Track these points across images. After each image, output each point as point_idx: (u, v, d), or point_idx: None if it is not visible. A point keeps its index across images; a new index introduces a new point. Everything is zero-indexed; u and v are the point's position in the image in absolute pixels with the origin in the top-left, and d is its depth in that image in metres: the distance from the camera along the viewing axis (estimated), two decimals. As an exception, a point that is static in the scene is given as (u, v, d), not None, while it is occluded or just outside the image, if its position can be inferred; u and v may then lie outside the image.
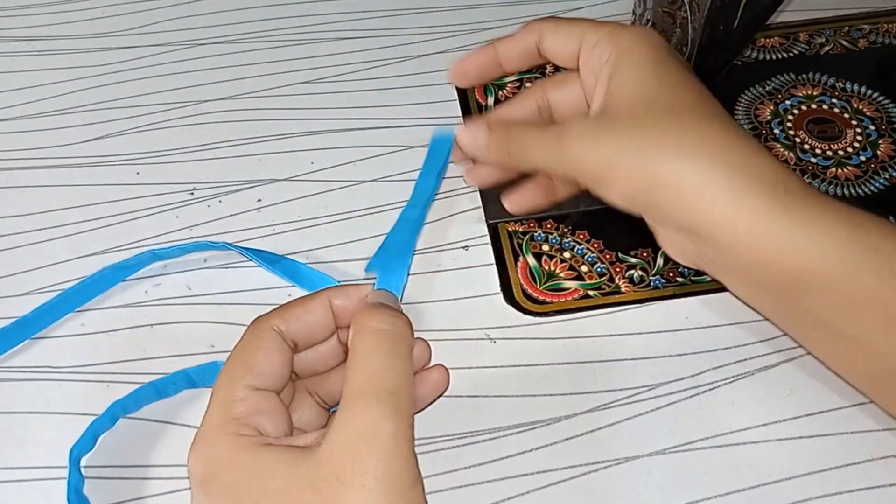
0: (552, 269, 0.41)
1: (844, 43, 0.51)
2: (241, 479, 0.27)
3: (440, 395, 0.34)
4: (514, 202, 0.40)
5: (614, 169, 0.32)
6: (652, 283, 0.40)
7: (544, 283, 0.40)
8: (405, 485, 0.26)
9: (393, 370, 0.28)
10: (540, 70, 0.50)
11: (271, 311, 0.32)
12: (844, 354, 0.33)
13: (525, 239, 0.42)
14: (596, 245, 0.42)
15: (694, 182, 0.31)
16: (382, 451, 0.26)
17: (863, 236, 0.30)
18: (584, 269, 0.41)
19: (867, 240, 0.30)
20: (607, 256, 0.41)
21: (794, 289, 0.31)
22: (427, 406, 0.35)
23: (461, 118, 0.47)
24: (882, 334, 0.30)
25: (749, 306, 0.37)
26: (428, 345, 0.34)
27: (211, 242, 0.41)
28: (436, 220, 0.43)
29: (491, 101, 0.48)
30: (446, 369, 0.34)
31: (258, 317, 0.32)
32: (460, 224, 0.43)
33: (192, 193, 0.44)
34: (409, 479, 0.27)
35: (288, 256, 0.41)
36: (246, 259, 0.41)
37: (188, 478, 0.29)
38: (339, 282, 0.39)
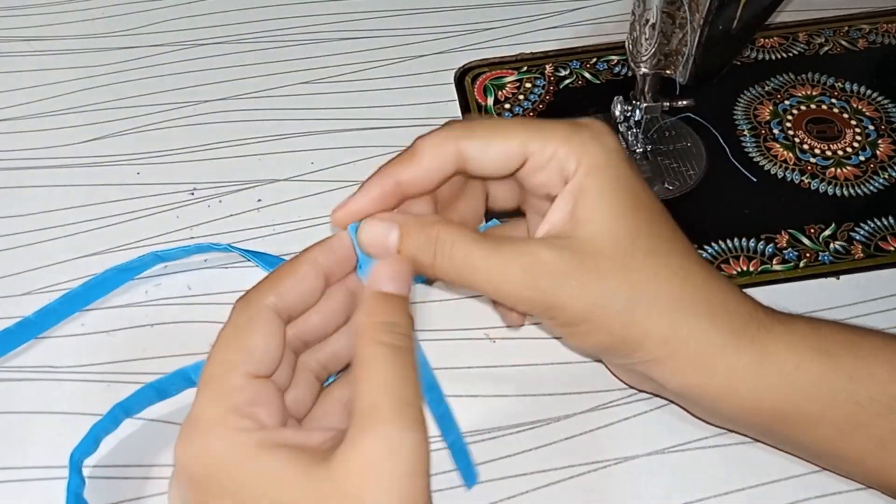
0: (552, 269, 0.41)
1: (844, 43, 0.51)
2: (247, 486, 0.25)
3: None
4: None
5: (598, 319, 0.29)
6: (651, 283, 0.40)
7: (544, 283, 0.40)
8: (425, 503, 0.25)
9: (409, 381, 0.27)
10: (540, 71, 0.50)
11: (259, 284, 0.29)
12: (836, 467, 0.33)
13: (525, 239, 0.42)
14: (595, 245, 0.42)
15: (683, 342, 0.29)
16: (407, 466, 0.25)
17: (836, 367, 0.30)
18: (583, 269, 0.41)
19: (840, 370, 0.29)
20: (607, 256, 0.41)
21: (776, 424, 0.31)
22: None
23: (461, 118, 0.47)
24: (874, 458, 0.30)
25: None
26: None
27: (214, 244, 0.41)
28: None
29: (490, 101, 0.48)
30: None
31: (246, 294, 0.29)
32: (460, 224, 0.43)
33: (192, 193, 0.44)
34: (427, 497, 0.25)
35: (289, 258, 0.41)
36: (246, 259, 0.41)
37: (173, 472, 0.27)
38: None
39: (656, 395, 0.35)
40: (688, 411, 0.34)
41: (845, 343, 0.30)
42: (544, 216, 0.30)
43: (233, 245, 0.41)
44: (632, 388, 0.36)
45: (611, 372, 0.36)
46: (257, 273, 0.41)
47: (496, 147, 0.30)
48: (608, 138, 0.30)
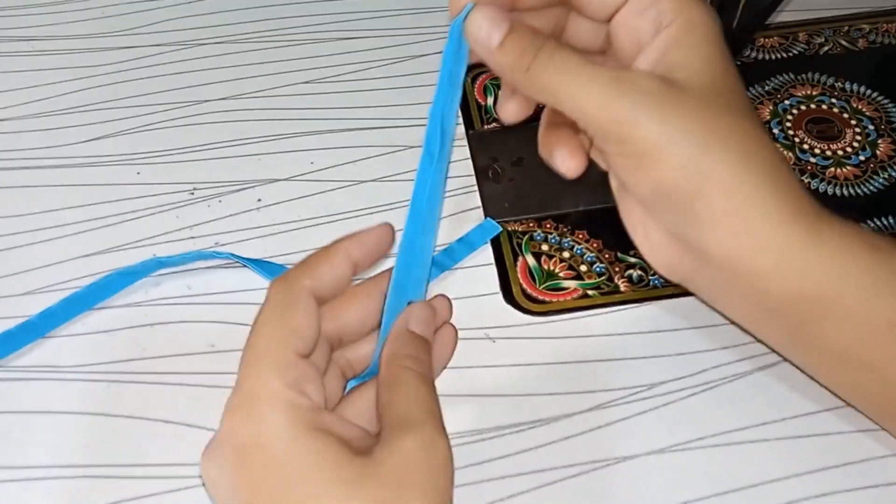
0: (551, 268, 0.41)
1: (844, 43, 0.51)
2: (297, 463, 0.26)
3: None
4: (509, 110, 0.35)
5: (668, 151, 0.28)
6: (651, 283, 0.40)
7: (544, 283, 0.40)
8: (451, 500, 0.28)
9: (434, 397, 0.30)
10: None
11: (295, 268, 0.31)
12: (857, 383, 0.32)
13: (524, 239, 0.42)
14: (595, 245, 0.42)
15: (744, 202, 0.28)
16: (440, 464, 0.27)
17: (885, 260, 0.29)
18: (583, 268, 0.41)
19: (889, 263, 0.29)
20: (606, 256, 0.41)
21: (810, 316, 0.30)
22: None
23: (461, 118, 0.47)
24: None
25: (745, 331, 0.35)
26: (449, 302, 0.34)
27: (216, 252, 0.41)
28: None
29: (491, 100, 0.48)
30: (454, 329, 0.34)
31: (283, 275, 0.30)
32: (460, 224, 0.43)
33: (192, 193, 0.44)
34: (452, 495, 0.28)
35: (288, 265, 0.41)
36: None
37: (212, 444, 0.28)
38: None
39: (683, 291, 0.33)
40: (715, 309, 0.33)
41: (891, 242, 0.30)
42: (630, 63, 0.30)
43: (234, 254, 0.41)
44: (664, 278, 0.35)
45: (647, 263, 0.33)
46: (257, 274, 0.41)
47: None
48: (706, 7, 0.30)
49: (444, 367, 0.35)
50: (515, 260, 0.41)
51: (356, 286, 0.33)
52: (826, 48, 0.51)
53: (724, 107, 0.29)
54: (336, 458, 0.27)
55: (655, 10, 0.29)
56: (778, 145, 0.31)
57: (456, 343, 0.34)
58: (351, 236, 0.32)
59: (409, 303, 0.33)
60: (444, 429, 0.28)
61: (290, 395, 0.27)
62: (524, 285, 0.40)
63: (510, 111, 0.34)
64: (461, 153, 0.45)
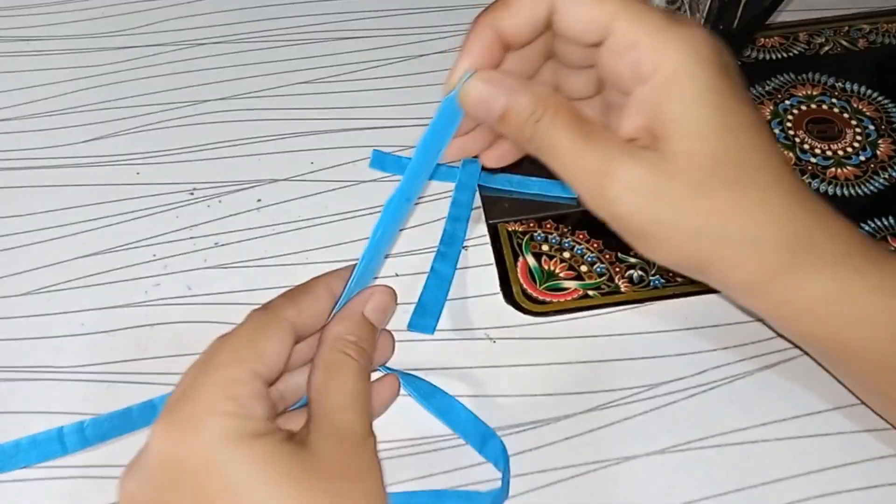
0: (552, 268, 0.41)
1: (844, 43, 0.51)
2: (238, 469, 0.26)
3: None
4: (490, 157, 0.34)
5: (664, 237, 0.28)
6: (651, 283, 0.40)
7: (544, 283, 0.40)
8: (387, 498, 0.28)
9: (369, 393, 0.30)
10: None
11: (279, 298, 0.31)
12: (889, 409, 0.33)
13: (525, 239, 0.42)
14: (595, 245, 0.42)
15: (752, 275, 0.28)
16: (376, 464, 0.29)
17: None
18: (583, 269, 0.41)
19: None
20: (607, 256, 0.41)
21: (843, 357, 0.31)
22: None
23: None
24: None
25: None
26: (391, 340, 0.35)
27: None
28: (435, 221, 0.43)
29: (491, 101, 0.48)
30: (397, 379, 0.35)
31: (265, 305, 0.31)
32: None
33: (192, 193, 0.44)
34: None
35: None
36: (246, 259, 0.41)
37: (137, 461, 0.27)
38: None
39: (684, 292, 0.35)
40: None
41: None
42: (620, 113, 0.29)
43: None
44: (665, 278, 0.36)
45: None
46: (258, 273, 0.41)
47: (583, 9, 0.28)
48: (703, 43, 0.27)
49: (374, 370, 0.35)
50: (516, 260, 0.41)
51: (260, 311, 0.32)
52: (826, 48, 0.51)
53: (722, 179, 0.27)
54: (279, 456, 0.26)
55: (635, 54, 0.27)
56: (811, 193, 0.29)
57: (393, 350, 0.35)
58: (330, 273, 0.32)
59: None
60: (372, 428, 0.29)
61: (231, 406, 0.27)
62: (524, 285, 0.40)
63: (494, 158, 0.34)
64: (461, 153, 0.45)
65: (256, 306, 0.31)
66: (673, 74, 0.26)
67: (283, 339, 0.29)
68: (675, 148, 0.27)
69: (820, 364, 0.35)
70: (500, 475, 0.34)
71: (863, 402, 0.35)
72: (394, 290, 0.34)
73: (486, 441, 0.35)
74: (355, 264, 0.32)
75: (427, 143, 0.31)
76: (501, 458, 0.34)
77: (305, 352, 0.33)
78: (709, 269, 0.29)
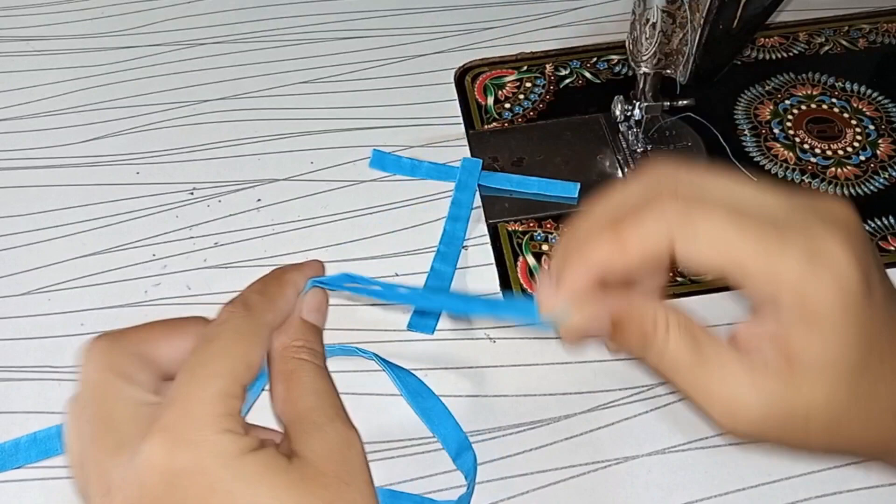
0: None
1: (844, 43, 0.51)
2: (241, 481, 0.25)
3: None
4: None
5: (798, 450, 0.28)
6: (652, 283, 0.40)
7: (544, 283, 0.40)
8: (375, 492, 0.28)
9: (334, 388, 0.29)
10: (540, 70, 0.50)
11: (257, 296, 0.30)
12: None
13: (525, 238, 0.42)
14: (596, 245, 0.42)
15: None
16: (363, 458, 0.28)
17: None
18: (583, 268, 0.41)
19: None
20: (607, 256, 0.41)
21: None
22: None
23: (460, 118, 0.47)
24: None
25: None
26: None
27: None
28: (435, 220, 0.43)
29: (491, 100, 0.48)
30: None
31: (245, 301, 0.30)
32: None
33: (192, 193, 0.44)
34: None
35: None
36: (246, 259, 0.41)
37: (138, 461, 0.26)
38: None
39: (682, 291, 0.30)
40: (716, 281, 0.33)
41: None
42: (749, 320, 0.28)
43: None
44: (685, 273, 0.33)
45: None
46: (257, 274, 0.41)
47: (708, 254, 0.26)
48: (852, 268, 0.25)
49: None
50: (516, 260, 0.41)
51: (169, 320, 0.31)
52: (826, 48, 0.51)
53: (855, 420, 0.26)
54: (276, 470, 0.26)
55: (773, 301, 0.26)
56: None
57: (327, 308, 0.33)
58: (291, 267, 0.32)
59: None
60: (351, 421, 0.28)
61: (230, 422, 0.26)
62: (524, 285, 0.40)
63: (574, 325, 0.29)
64: (462, 153, 0.45)
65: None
66: (818, 324, 0.25)
67: (265, 348, 0.29)
68: (810, 391, 0.26)
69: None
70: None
71: None
72: (321, 268, 0.33)
73: (462, 452, 0.34)
74: (317, 261, 0.32)
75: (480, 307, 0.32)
76: (471, 473, 0.34)
77: None
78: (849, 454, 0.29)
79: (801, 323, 0.26)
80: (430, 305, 0.36)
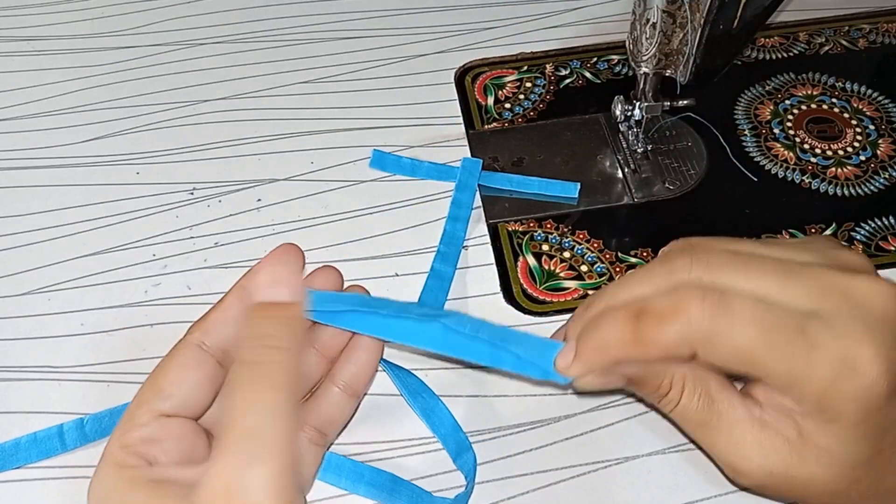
0: (552, 268, 0.41)
1: (844, 43, 0.51)
2: None
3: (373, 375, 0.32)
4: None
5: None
6: (652, 283, 0.40)
7: (544, 283, 0.40)
8: None
9: (265, 406, 0.25)
10: (540, 70, 0.50)
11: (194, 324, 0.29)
12: None
13: (525, 239, 0.42)
14: (596, 245, 0.42)
15: None
16: (255, 496, 0.24)
17: None
18: (583, 268, 0.41)
19: None
20: (607, 256, 0.41)
21: None
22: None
23: (460, 118, 0.47)
24: None
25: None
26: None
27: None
28: (435, 220, 0.43)
29: (491, 100, 0.48)
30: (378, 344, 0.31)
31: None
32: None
33: (192, 193, 0.44)
34: None
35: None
36: (246, 259, 0.41)
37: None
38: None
39: None
40: None
41: None
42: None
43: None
44: None
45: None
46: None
47: (732, 362, 0.27)
48: (881, 377, 0.25)
49: (368, 382, 0.33)
50: (516, 260, 0.41)
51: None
52: (826, 48, 0.51)
53: (861, 495, 0.27)
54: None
55: (789, 403, 0.27)
56: None
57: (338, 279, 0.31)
58: (244, 276, 0.29)
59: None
60: (258, 451, 0.24)
61: (119, 456, 0.27)
62: (524, 285, 0.40)
63: (589, 384, 0.30)
64: (462, 153, 0.45)
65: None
66: (831, 413, 0.26)
67: (188, 366, 0.28)
68: (812, 458, 0.27)
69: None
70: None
71: None
72: (336, 276, 0.32)
73: (462, 453, 0.34)
74: (332, 268, 0.32)
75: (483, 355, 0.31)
76: (471, 474, 0.34)
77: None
78: None
79: (820, 414, 0.26)
80: (445, 348, 0.32)
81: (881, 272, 0.40)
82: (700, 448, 0.32)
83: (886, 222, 0.42)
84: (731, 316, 0.26)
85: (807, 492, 0.28)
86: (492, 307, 0.40)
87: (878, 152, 0.45)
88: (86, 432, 0.35)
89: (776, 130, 0.46)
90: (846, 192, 0.44)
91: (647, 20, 0.40)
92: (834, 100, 0.48)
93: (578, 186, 0.43)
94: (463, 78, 0.50)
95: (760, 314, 0.26)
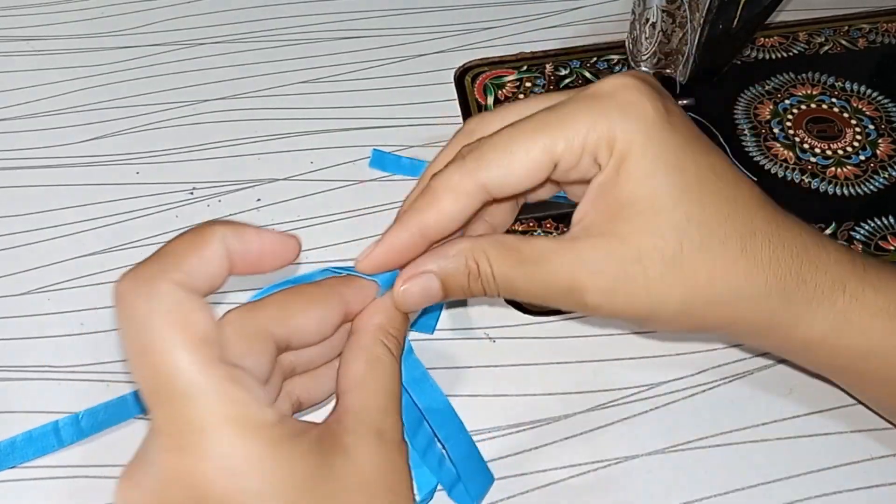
0: (552, 268, 0.41)
1: (844, 42, 0.51)
2: (270, 494, 0.23)
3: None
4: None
5: (656, 319, 0.28)
6: (651, 283, 0.40)
7: (544, 283, 0.40)
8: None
9: (401, 394, 0.28)
10: (540, 70, 0.50)
11: (149, 262, 0.25)
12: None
13: (525, 239, 0.42)
14: (595, 245, 0.42)
15: (749, 325, 0.29)
16: (408, 462, 0.27)
17: None
18: (583, 268, 0.41)
19: None
20: (607, 256, 0.41)
21: (849, 378, 0.32)
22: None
23: (460, 118, 0.47)
24: None
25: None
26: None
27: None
28: (435, 220, 0.43)
29: (490, 100, 0.48)
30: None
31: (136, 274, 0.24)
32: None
33: (192, 193, 0.44)
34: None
35: None
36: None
37: (150, 463, 0.24)
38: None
39: None
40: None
41: None
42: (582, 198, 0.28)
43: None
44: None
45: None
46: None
47: (518, 168, 0.27)
48: (639, 106, 0.26)
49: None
50: (515, 260, 0.41)
51: (309, 285, 0.29)
52: (826, 48, 0.51)
53: (695, 244, 0.27)
54: (312, 476, 0.23)
55: (588, 154, 0.27)
56: (791, 222, 0.29)
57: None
58: (223, 224, 0.26)
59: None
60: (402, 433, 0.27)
61: (237, 410, 0.22)
62: (524, 285, 0.40)
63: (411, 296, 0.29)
64: (461, 153, 0.45)
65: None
66: (626, 153, 0.26)
67: (262, 351, 0.27)
68: (635, 229, 0.27)
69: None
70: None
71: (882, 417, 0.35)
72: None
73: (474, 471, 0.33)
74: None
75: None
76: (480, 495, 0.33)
77: (336, 347, 0.30)
78: (712, 330, 0.29)
79: (622, 163, 0.26)
80: None
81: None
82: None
83: (886, 222, 0.42)
84: (504, 146, 0.27)
85: (646, 274, 0.27)
86: (492, 307, 0.40)
87: (878, 152, 0.45)
88: (81, 427, 0.35)
89: (776, 130, 0.46)
90: (846, 192, 0.44)
91: (647, 20, 0.40)
92: (833, 99, 0.48)
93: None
94: (462, 78, 0.50)
95: (514, 132, 0.27)
